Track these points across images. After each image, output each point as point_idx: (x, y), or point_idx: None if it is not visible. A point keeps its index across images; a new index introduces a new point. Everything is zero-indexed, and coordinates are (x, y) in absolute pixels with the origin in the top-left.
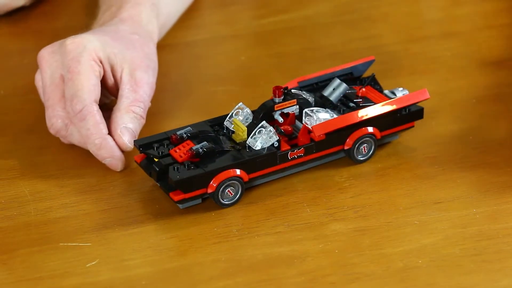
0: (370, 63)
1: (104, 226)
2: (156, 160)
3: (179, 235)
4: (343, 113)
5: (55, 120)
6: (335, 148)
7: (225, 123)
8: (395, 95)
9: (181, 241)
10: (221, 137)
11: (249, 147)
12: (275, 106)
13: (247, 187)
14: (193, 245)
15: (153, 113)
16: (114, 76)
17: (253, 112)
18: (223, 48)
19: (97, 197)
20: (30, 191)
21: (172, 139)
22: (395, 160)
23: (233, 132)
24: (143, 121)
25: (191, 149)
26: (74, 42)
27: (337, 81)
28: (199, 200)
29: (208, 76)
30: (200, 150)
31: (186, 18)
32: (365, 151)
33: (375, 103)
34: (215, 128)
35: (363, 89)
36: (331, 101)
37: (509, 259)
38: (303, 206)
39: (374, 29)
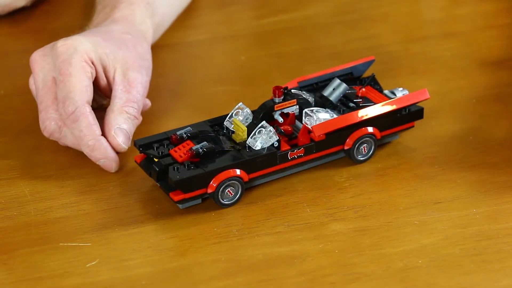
0: (370, 63)
1: (104, 226)
2: (156, 160)
3: (179, 235)
4: (343, 113)
5: (49, 123)
6: (335, 148)
7: (225, 123)
8: (395, 95)
9: (181, 241)
10: (221, 137)
11: (249, 147)
12: (275, 106)
13: (247, 187)
14: (193, 245)
15: (153, 113)
16: (107, 76)
17: (253, 112)
18: (223, 48)
19: (97, 197)
20: (30, 191)
21: (172, 139)
22: (395, 160)
23: (233, 132)
24: (137, 121)
25: (191, 149)
26: (65, 44)
27: (337, 81)
28: (199, 200)
29: (208, 76)
30: (200, 150)
31: (186, 18)
32: (365, 151)
33: (375, 103)
34: (215, 128)
35: (363, 89)
36: (331, 101)
37: (509, 259)
38: (303, 206)
39: (374, 29)
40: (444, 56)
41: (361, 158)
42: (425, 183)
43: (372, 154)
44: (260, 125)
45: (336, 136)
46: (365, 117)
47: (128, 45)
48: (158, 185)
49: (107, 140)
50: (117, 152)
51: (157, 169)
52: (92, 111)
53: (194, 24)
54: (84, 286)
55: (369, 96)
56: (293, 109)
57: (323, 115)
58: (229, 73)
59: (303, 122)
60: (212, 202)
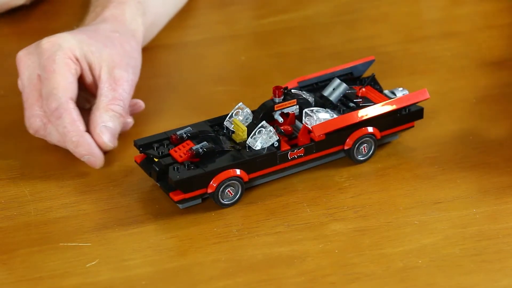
0: (370, 63)
1: (104, 226)
2: (156, 160)
3: (179, 235)
4: (343, 113)
5: (34, 120)
6: (335, 148)
7: (225, 123)
8: (395, 95)
9: (181, 241)
10: (221, 137)
11: (249, 147)
12: (275, 106)
13: (247, 187)
14: (193, 245)
15: (153, 113)
16: (92, 74)
17: (253, 112)
18: (223, 48)
19: (97, 197)
20: (30, 191)
21: (172, 139)
22: (395, 160)
23: (233, 132)
24: (123, 119)
25: (191, 149)
26: (49, 42)
27: (337, 81)
28: (199, 200)
29: (208, 76)
30: (200, 150)
31: (186, 18)
32: (365, 151)
33: (375, 103)
34: (215, 128)
35: (363, 89)
36: (331, 101)
37: (509, 259)
38: (303, 206)
39: (374, 29)
40: (444, 56)
41: (361, 158)
42: (425, 183)
43: (372, 154)
44: (260, 125)
45: (336, 136)
46: (365, 117)
47: (115, 43)
48: (158, 185)
49: (93, 138)
50: (104, 152)
51: (157, 169)
52: (76, 108)
53: (194, 24)
54: (84, 286)
55: (369, 96)
56: (293, 109)
57: (323, 115)
58: (229, 73)
59: (303, 122)
60: (212, 202)
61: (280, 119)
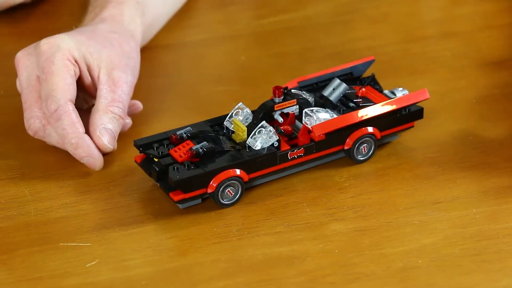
0: (370, 63)
1: (104, 226)
2: (156, 160)
3: (179, 235)
4: (343, 113)
5: (33, 121)
6: (335, 148)
7: (225, 123)
8: (395, 95)
9: (181, 241)
10: (221, 137)
11: (249, 147)
12: (275, 106)
13: (247, 187)
14: (193, 245)
15: (153, 113)
16: (91, 75)
17: (253, 112)
18: (223, 48)
19: (97, 197)
20: (30, 191)
21: (172, 139)
22: (395, 160)
23: (233, 132)
24: (123, 121)
25: (191, 149)
26: (48, 43)
27: (337, 81)
28: (199, 200)
29: (208, 76)
30: (200, 150)
31: (186, 18)
32: (365, 151)
33: (375, 103)
34: (215, 128)
35: (363, 89)
36: (331, 101)
37: (509, 259)
38: (303, 206)
39: (374, 29)
40: (444, 56)
41: (361, 158)
42: (425, 183)
43: (372, 154)
44: (260, 125)
45: (336, 136)
46: (365, 117)
47: (114, 43)
48: (158, 185)
49: (92, 140)
50: (104, 154)
51: (157, 169)
52: (75, 109)
53: (194, 24)
54: (84, 286)
55: (369, 96)
56: (293, 109)
57: (323, 115)
58: (229, 73)
59: (303, 122)
60: (212, 202)
61: (280, 119)
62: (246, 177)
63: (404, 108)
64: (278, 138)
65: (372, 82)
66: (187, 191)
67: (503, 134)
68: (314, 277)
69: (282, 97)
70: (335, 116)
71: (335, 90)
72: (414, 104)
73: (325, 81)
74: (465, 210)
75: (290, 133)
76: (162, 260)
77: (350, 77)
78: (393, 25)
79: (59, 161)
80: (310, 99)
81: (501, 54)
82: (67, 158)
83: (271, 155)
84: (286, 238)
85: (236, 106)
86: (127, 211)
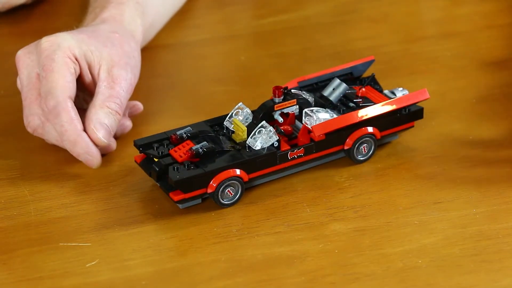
0: (370, 63)
1: (104, 226)
2: (156, 160)
3: (179, 235)
4: (343, 113)
5: (32, 118)
6: (335, 148)
7: (225, 123)
8: (395, 95)
9: (181, 241)
10: (221, 137)
11: (249, 147)
12: (275, 106)
13: (247, 187)
14: (193, 245)
15: (153, 113)
16: (91, 73)
17: (253, 112)
18: (222, 48)
19: (97, 197)
20: (30, 191)
21: (172, 139)
22: (395, 160)
23: (233, 132)
24: (119, 117)
25: (191, 149)
26: (48, 41)
27: (337, 81)
28: (199, 200)
29: (208, 76)
30: (200, 150)
31: (186, 18)
32: (365, 151)
33: (375, 103)
34: (215, 128)
35: (363, 89)
36: (331, 101)
37: (509, 259)
38: (303, 206)
39: (374, 29)
40: (444, 56)
41: (361, 158)
42: (425, 183)
43: (372, 154)
44: (260, 125)
45: (336, 136)
46: (365, 117)
47: (115, 43)
48: (158, 185)
49: (87, 134)
50: (103, 154)
51: (157, 169)
52: (74, 107)
53: (194, 24)
54: (84, 286)
55: (369, 96)
56: (293, 109)
57: (323, 115)
58: (229, 73)
59: (303, 122)
60: (212, 202)
61: (280, 119)
62: (246, 177)
63: (404, 108)
64: (278, 138)
65: (372, 82)
66: (187, 191)
67: (503, 134)
68: (314, 277)
69: (282, 97)
70: (335, 116)
71: (335, 90)
72: (414, 104)
73: (325, 81)
74: (465, 210)
75: (290, 133)
76: (162, 260)
77: (350, 77)
78: (393, 25)
79: (59, 161)
80: (310, 99)
81: (501, 54)
82: (67, 158)
83: (271, 155)
84: (286, 238)
85: (236, 106)
86: (127, 211)
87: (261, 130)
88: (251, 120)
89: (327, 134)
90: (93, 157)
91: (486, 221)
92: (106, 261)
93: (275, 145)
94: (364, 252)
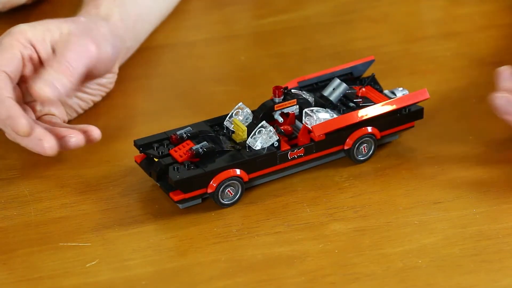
0: (370, 63)
1: (104, 226)
2: (156, 160)
3: (179, 235)
4: (343, 113)
5: None
6: (335, 148)
7: (225, 123)
8: (395, 95)
9: (181, 241)
10: (221, 137)
11: (249, 147)
12: (275, 106)
13: (247, 187)
14: (193, 245)
15: (153, 112)
16: (53, 50)
17: (253, 112)
18: (223, 48)
19: (97, 197)
20: (30, 191)
21: (172, 139)
22: (395, 160)
23: (233, 132)
24: (67, 79)
25: (191, 149)
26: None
27: (337, 81)
28: (199, 200)
29: (208, 76)
30: (200, 150)
31: (186, 18)
32: (365, 151)
33: (375, 103)
34: (215, 128)
35: (363, 89)
36: (331, 101)
37: (509, 259)
38: (303, 206)
39: (374, 29)
40: (444, 56)
41: (361, 158)
42: (425, 183)
43: (372, 154)
44: (260, 125)
45: (336, 136)
46: (365, 117)
47: (77, 21)
48: (158, 185)
49: (33, 95)
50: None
51: (157, 169)
52: (7, 78)
53: (193, 24)
54: (84, 286)
55: (369, 96)
56: (293, 109)
57: (323, 115)
58: (229, 73)
59: (303, 122)
60: (212, 202)
61: (280, 119)
62: (246, 177)
63: (404, 108)
64: (278, 138)
65: (372, 82)
66: (187, 191)
67: (503, 134)
68: (314, 277)
69: (282, 97)
70: (335, 116)
71: (335, 90)
72: (414, 104)
73: (325, 81)
74: (465, 210)
75: (290, 133)
76: (162, 260)
77: (350, 77)
78: (393, 25)
79: (59, 161)
80: (310, 99)
81: (501, 54)
82: (67, 158)
83: (271, 155)
84: (286, 238)
85: (236, 106)
86: (127, 211)
87: (261, 130)
88: (251, 120)
89: (327, 134)
90: (15, 120)
91: (486, 221)
92: (106, 261)
93: (275, 145)
94: (364, 252)
